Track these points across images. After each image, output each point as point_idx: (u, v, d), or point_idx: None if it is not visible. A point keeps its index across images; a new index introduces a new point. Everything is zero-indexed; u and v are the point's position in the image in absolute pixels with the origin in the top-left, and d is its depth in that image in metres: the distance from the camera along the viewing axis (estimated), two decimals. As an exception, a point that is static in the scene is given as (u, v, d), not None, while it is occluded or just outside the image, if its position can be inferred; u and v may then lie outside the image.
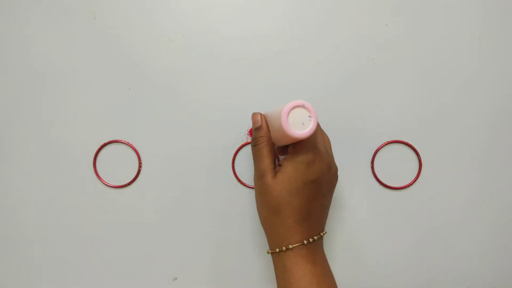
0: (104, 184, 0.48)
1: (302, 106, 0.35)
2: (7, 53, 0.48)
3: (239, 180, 0.48)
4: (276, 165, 0.40)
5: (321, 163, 0.38)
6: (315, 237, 0.38)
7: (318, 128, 0.41)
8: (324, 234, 0.40)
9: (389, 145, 0.48)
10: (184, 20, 0.48)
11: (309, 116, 0.35)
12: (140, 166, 0.48)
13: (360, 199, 0.48)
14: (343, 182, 0.48)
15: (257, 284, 0.48)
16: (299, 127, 0.35)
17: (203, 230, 0.48)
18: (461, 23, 0.48)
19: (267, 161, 0.39)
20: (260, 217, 0.40)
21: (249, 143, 0.48)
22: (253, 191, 0.48)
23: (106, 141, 0.48)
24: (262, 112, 0.42)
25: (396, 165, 0.48)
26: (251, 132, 0.47)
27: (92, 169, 0.48)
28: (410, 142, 0.48)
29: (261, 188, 0.39)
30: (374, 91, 0.48)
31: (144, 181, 0.48)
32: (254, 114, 0.41)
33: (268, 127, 0.40)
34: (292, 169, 0.37)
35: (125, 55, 0.48)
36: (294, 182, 0.37)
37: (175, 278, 0.48)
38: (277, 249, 0.38)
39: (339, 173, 0.48)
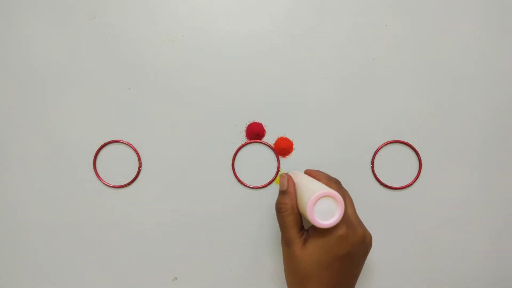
0: (104, 184, 0.48)
1: (329, 196, 0.35)
2: (7, 53, 0.48)
3: (239, 180, 0.48)
4: (304, 231, 0.39)
5: (354, 236, 0.37)
6: None
7: (348, 197, 0.40)
8: None
9: (389, 145, 0.48)
10: (184, 20, 0.48)
11: (336, 206, 0.35)
12: (140, 166, 0.48)
13: (360, 199, 0.48)
14: (343, 182, 0.48)
15: (257, 284, 0.48)
16: (324, 216, 0.35)
17: (203, 230, 0.48)
18: (461, 23, 0.48)
19: (292, 231, 0.38)
20: (287, 281, 0.40)
21: (248, 143, 0.48)
22: (253, 191, 0.48)
23: (106, 141, 0.48)
24: (293, 174, 0.41)
25: (396, 165, 0.48)
26: (247, 133, 0.47)
27: (92, 169, 0.48)
28: (410, 142, 0.48)
29: (288, 256, 0.38)
30: (374, 91, 0.48)
31: (144, 181, 0.48)
32: (282, 176, 0.41)
33: (295, 193, 0.39)
34: (323, 242, 0.36)
35: (125, 55, 0.48)
36: (324, 255, 0.36)
37: (175, 278, 0.48)
38: None
39: (339, 174, 0.48)
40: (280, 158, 0.48)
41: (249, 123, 0.48)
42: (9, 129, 0.48)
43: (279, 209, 0.39)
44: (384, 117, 0.48)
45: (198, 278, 0.48)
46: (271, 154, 0.48)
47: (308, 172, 0.42)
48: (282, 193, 0.40)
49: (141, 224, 0.48)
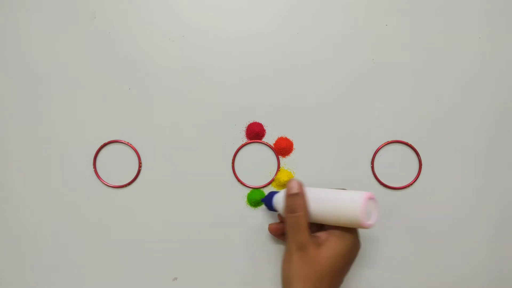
0: (104, 184, 0.48)
1: (372, 199, 0.37)
2: (7, 53, 0.48)
3: (238, 180, 0.48)
4: (314, 235, 0.39)
5: (358, 242, 0.39)
6: None
7: None
8: None
9: (389, 145, 0.48)
10: (184, 21, 0.48)
11: (374, 206, 0.38)
12: (140, 166, 0.48)
13: (360, 199, 0.48)
14: (343, 182, 0.48)
15: (257, 284, 0.48)
16: (369, 217, 0.37)
17: (203, 230, 0.48)
18: (461, 23, 0.48)
19: (306, 233, 0.38)
20: (289, 280, 0.38)
21: (249, 143, 0.48)
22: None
23: (106, 141, 0.48)
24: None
25: (396, 165, 0.48)
26: (247, 133, 0.47)
27: (92, 169, 0.48)
28: (410, 142, 0.48)
29: (302, 260, 0.37)
30: (374, 91, 0.48)
31: (144, 181, 0.48)
32: (291, 181, 0.40)
33: (306, 196, 0.40)
34: (342, 246, 0.37)
35: (125, 55, 0.48)
36: (341, 259, 0.37)
37: (175, 278, 0.48)
38: None
39: (339, 174, 0.48)
40: (280, 158, 0.48)
41: (249, 123, 0.48)
42: (9, 129, 0.48)
43: (294, 209, 0.39)
44: (384, 117, 0.48)
45: (198, 278, 0.48)
46: (271, 154, 0.48)
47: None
48: (293, 195, 0.39)
49: (141, 224, 0.48)
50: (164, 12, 0.48)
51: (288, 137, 0.48)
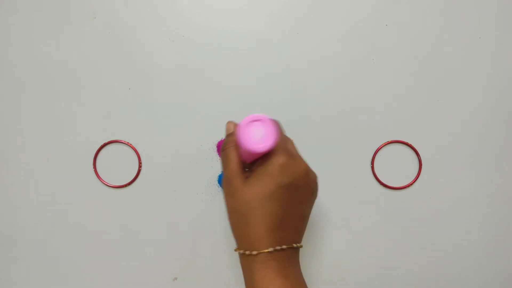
0: (104, 184, 0.48)
1: (261, 121, 0.33)
2: (7, 54, 0.48)
3: (239, 180, 0.48)
4: (247, 171, 0.37)
5: (296, 166, 0.35)
6: (284, 246, 0.34)
7: (289, 140, 0.39)
8: (298, 246, 0.36)
9: (389, 145, 0.48)
10: (184, 20, 0.48)
11: (270, 131, 0.33)
12: (140, 166, 0.48)
13: (360, 199, 0.48)
14: (343, 182, 0.48)
15: (257, 284, 0.48)
16: (257, 141, 0.33)
17: (203, 230, 0.48)
18: (461, 23, 0.48)
19: (234, 165, 0.36)
20: (230, 226, 0.36)
21: (249, 143, 0.48)
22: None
23: (106, 141, 0.48)
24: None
25: (396, 165, 0.48)
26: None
27: (92, 169, 0.48)
28: (410, 142, 0.48)
29: (229, 193, 0.35)
30: (374, 91, 0.48)
31: (144, 181, 0.48)
32: (228, 123, 0.39)
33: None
34: (265, 171, 0.34)
35: (125, 55, 0.48)
36: (267, 184, 0.34)
37: (175, 278, 0.48)
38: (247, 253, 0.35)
39: (339, 174, 0.48)
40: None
41: (249, 123, 0.48)
42: (9, 129, 0.48)
43: (224, 146, 0.37)
44: (384, 117, 0.48)
45: (198, 278, 0.48)
46: (271, 154, 0.48)
47: None
48: (228, 135, 0.38)
49: (141, 224, 0.48)
50: (164, 12, 0.48)
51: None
